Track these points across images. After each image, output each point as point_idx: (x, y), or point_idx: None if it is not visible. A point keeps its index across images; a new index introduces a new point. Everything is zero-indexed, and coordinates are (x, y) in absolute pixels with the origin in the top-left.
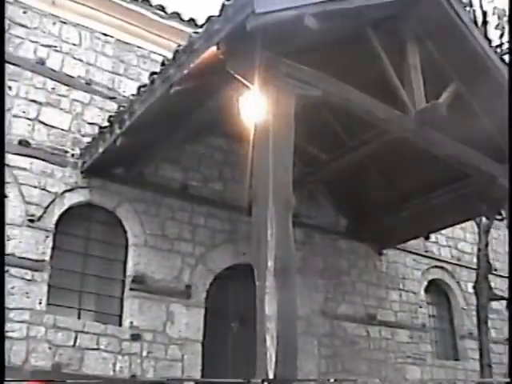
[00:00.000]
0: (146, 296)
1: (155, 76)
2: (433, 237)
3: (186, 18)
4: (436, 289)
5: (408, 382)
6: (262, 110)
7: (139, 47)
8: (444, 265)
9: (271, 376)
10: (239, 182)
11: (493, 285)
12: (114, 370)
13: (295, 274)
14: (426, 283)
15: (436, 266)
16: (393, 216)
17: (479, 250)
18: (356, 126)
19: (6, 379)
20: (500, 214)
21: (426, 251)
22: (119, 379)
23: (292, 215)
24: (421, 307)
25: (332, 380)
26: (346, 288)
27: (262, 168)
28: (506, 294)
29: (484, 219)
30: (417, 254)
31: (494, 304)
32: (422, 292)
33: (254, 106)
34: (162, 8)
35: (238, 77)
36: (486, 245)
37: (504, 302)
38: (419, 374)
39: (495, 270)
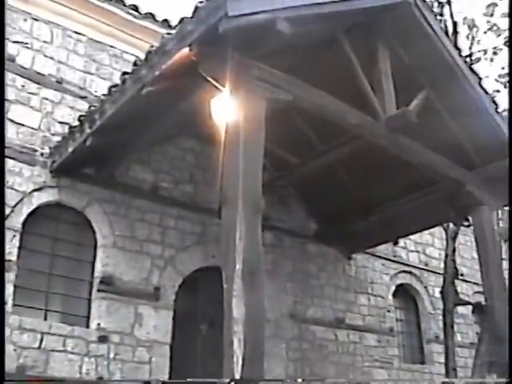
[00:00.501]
0: (114, 297)
1: (127, 76)
2: (401, 242)
3: (160, 19)
4: (404, 293)
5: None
6: (233, 113)
7: (112, 47)
8: (412, 270)
9: (237, 377)
10: (210, 185)
11: (459, 290)
12: (81, 372)
13: (263, 277)
14: (394, 288)
15: (404, 271)
16: (362, 221)
17: (446, 255)
18: (327, 130)
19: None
20: (467, 220)
21: (395, 256)
22: (91, 381)
23: (262, 218)
24: (389, 311)
25: (300, 380)
26: (314, 291)
27: (231, 171)
28: (471, 299)
29: (452, 225)
30: (385, 258)
31: (460, 309)
32: (390, 296)
33: (225, 109)
34: (136, 8)
35: (210, 79)
36: (453, 250)
37: (469, 307)
38: (386, 377)
39: (462, 275)
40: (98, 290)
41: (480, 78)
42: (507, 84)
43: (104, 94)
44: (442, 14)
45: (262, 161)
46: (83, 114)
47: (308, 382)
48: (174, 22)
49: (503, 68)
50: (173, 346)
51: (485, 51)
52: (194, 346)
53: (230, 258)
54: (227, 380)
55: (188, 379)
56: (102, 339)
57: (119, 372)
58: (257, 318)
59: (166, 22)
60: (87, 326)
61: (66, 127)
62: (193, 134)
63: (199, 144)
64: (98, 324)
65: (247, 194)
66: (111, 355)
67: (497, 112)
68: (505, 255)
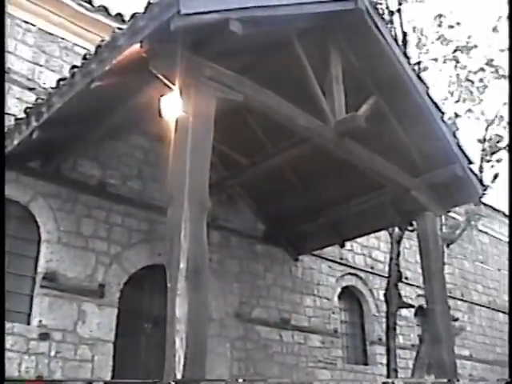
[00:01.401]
0: (56, 294)
1: (76, 70)
2: (348, 245)
3: (113, 13)
4: (349, 295)
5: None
6: (183, 111)
7: (63, 39)
8: (358, 272)
9: (179, 377)
10: (158, 182)
11: (402, 293)
12: (19, 371)
13: (208, 276)
14: (339, 290)
15: (350, 274)
16: (310, 223)
17: (391, 259)
18: (277, 132)
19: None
20: (412, 225)
21: (341, 258)
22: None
23: (209, 218)
24: (334, 313)
25: (241, 380)
26: (261, 292)
27: (178, 169)
28: (414, 302)
29: (397, 229)
30: (332, 260)
31: (403, 311)
32: (336, 298)
33: (175, 107)
34: (89, 0)
35: (160, 76)
36: (398, 254)
37: (412, 310)
38: (329, 378)
39: (405, 278)
40: (41, 286)
41: (427, 87)
42: (457, 92)
43: (52, 87)
44: (392, 22)
45: (209, 160)
46: (30, 106)
47: (251, 382)
48: (127, 17)
49: (451, 76)
50: (116, 345)
51: (435, 59)
52: (138, 344)
53: (175, 256)
54: (168, 381)
55: (130, 379)
56: (43, 337)
57: (60, 370)
58: (200, 318)
59: (119, 17)
60: (28, 323)
61: (12, 119)
62: (142, 130)
63: (148, 141)
64: (40, 321)
65: (193, 192)
66: (52, 353)
67: (442, 120)
68: (446, 259)
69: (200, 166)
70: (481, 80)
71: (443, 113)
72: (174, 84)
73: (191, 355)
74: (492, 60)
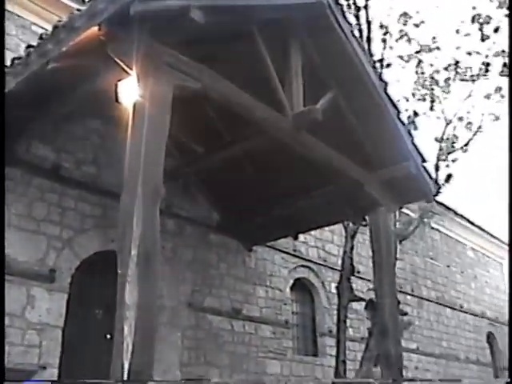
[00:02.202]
0: (6, 278)
1: (32, 49)
2: (302, 237)
3: None
4: (301, 287)
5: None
6: (140, 97)
7: (19, 16)
8: (311, 265)
9: (126, 366)
10: (114, 168)
11: (354, 286)
12: None
13: (159, 264)
14: (292, 281)
15: (303, 266)
16: (264, 214)
17: (344, 252)
18: (235, 123)
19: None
20: (365, 220)
21: (295, 250)
22: None
23: (164, 205)
24: (285, 304)
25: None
26: (213, 281)
27: (134, 155)
28: (365, 296)
29: (351, 224)
30: (285, 252)
31: (354, 304)
32: (288, 290)
33: (132, 92)
34: None
35: (118, 61)
36: (351, 248)
37: (363, 303)
38: (279, 368)
39: (358, 272)
40: None
41: (386, 84)
42: (420, 90)
43: (7, 66)
44: (358, 18)
45: (165, 146)
46: None
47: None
48: None
49: (416, 73)
50: (65, 331)
51: (400, 57)
52: (88, 331)
53: (126, 243)
54: (116, 369)
55: (79, 367)
56: None
57: (6, 355)
58: (149, 305)
59: None
60: None
61: None
62: (99, 115)
63: (105, 126)
64: None
65: (148, 178)
66: None
67: (399, 118)
68: (398, 255)
69: (155, 152)
70: (446, 80)
71: (399, 111)
72: (131, 69)
73: (140, 342)
74: (458, 62)
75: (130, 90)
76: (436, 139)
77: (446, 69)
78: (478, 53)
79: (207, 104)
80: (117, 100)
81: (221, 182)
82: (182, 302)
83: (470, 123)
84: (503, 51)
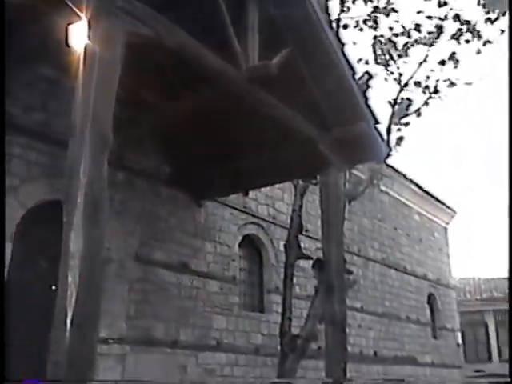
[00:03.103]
0: None
1: None
2: (252, 194)
3: None
4: (250, 244)
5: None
6: (90, 42)
7: None
8: (260, 222)
9: (70, 315)
10: (63, 115)
11: (302, 245)
12: None
13: (106, 214)
14: (240, 238)
15: (252, 223)
16: (216, 170)
17: (294, 210)
18: (189, 74)
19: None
20: (315, 179)
21: (245, 207)
22: None
23: (114, 157)
24: (233, 260)
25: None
26: (162, 235)
27: (83, 102)
28: (313, 255)
29: (301, 182)
30: (235, 208)
31: (302, 263)
32: (236, 246)
33: (83, 37)
34: None
35: (69, 3)
36: (301, 206)
37: (310, 262)
38: (225, 323)
39: (306, 230)
40: None
41: (342, 44)
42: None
43: None
44: None
45: (115, 94)
46: None
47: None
48: None
49: (375, 37)
50: (9, 282)
51: (364, 21)
52: (33, 281)
53: (73, 191)
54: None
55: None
56: None
57: None
58: (95, 255)
59: None
60: None
61: None
62: (48, 60)
63: (54, 72)
64: None
65: (96, 126)
66: None
67: (354, 78)
68: (347, 215)
69: (105, 99)
70: (404, 44)
71: (355, 71)
72: (82, 12)
73: (84, 292)
74: (419, 25)
75: (80, 35)
76: (389, 102)
77: (403, 33)
78: (440, 18)
79: (162, 54)
80: (67, 44)
81: (173, 134)
82: (130, 254)
83: (427, 87)
84: (457, 15)
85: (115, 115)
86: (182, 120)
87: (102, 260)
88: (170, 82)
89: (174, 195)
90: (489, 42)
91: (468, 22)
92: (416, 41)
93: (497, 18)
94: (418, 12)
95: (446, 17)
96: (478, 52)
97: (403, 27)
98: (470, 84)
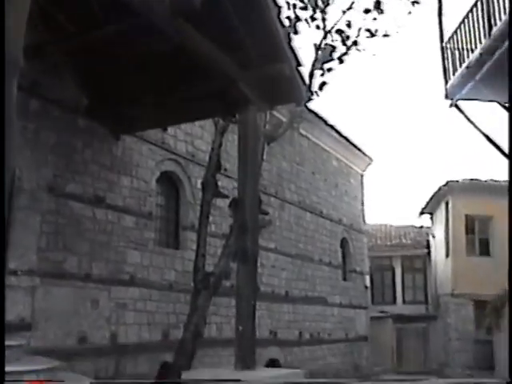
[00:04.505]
0: None
1: None
2: (172, 131)
3: None
4: (167, 180)
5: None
6: None
7: None
8: (178, 159)
9: None
10: None
11: (220, 184)
12: None
13: (14, 138)
14: (158, 174)
15: (170, 159)
16: (135, 103)
17: (212, 149)
18: (111, 3)
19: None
20: (234, 117)
21: (163, 143)
22: None
23: (28, 83)
24: (150, 196)
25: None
26: (77, 167)
27: None
28: (230, 194)
29: (222, 121)
30: (154, 144)
31: (218, 201)
32: (154, 182)
33: None
34: None
35: None
36: (220, 145)
37: (227, 201)
38: (139, 258)
39: (225, 169)
40: None
41: None
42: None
43: None
44: None
45: (27, 14)
46: None
47: None
48: None
49: None
50: None
51: None
52: None
53: None
54: None
55: None
56: None
57: None
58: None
59: None
60: None
61: None
62: None
63: None
64: None
65: (6, 48)
66: None
67: (279, 18)
68: (265, 157)
69: (16, 19)
70: None
71: (280, 11)
72: None
73: None
74: None
75: None
76: (314, 46)
77: None
78: None
79: None
80: None
81: (92, 65)
82: (43, 186)
83: (348, 37)
84: None
85: (30, 40)
86: (102, 50)
87: (10, 187)
88: (92, 10)
89: (91, 127)
90: (416, 2)
91: None
92: None
93: None
94: None
95: None
96: (409, 13)
97: None
98: (387, 36)
